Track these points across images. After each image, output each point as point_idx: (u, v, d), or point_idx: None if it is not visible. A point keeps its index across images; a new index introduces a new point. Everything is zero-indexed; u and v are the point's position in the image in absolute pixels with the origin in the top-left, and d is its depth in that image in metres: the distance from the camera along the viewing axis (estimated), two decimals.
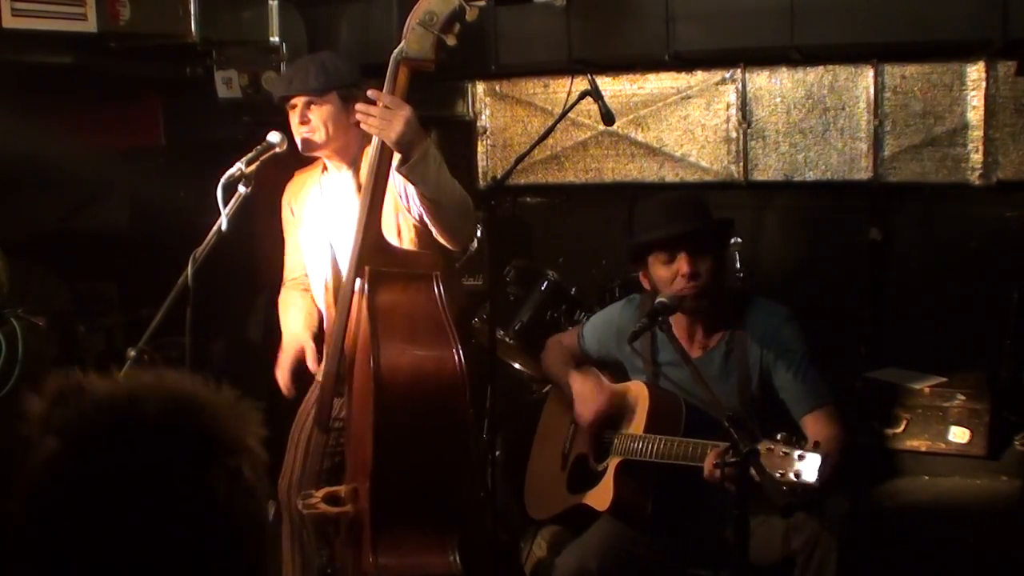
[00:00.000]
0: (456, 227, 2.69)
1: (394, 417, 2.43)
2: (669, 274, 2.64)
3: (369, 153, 2.61)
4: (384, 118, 2.44)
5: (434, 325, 2.53)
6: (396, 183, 2.72)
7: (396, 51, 2.52)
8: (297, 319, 2.97)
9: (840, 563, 2.42)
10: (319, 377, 2.99)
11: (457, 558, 2.53)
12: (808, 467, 2.07)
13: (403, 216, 2.80)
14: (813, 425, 2.51)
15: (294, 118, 2.81)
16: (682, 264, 2.61)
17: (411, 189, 2.66)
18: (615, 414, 2.76)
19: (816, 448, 2.08)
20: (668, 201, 2.80)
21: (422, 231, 2.79)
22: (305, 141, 2.80)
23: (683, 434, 2.56)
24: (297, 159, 3.02)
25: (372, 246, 2.58)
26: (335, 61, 2.86)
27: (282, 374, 2.93)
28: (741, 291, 2.75)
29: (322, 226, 2.92)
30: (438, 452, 2.51)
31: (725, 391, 2.60)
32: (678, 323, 2.73)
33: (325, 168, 2.97)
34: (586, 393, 2.82)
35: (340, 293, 2.71)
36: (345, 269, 2.82)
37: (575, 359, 3.01)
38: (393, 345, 2.45)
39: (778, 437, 2.13)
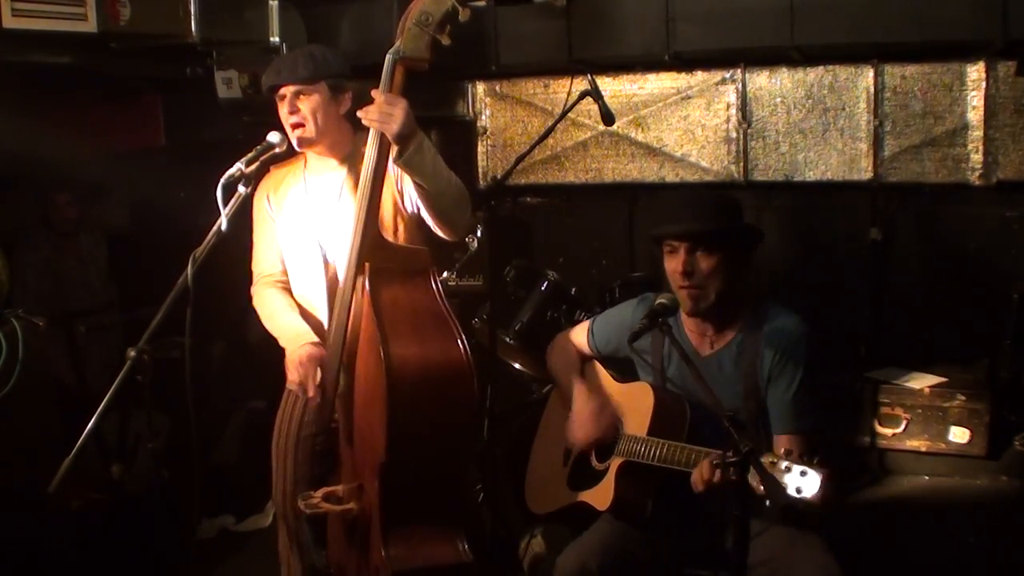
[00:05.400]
0: (454, 216, 2.70)
1: (407, 410, 2.45)
2: (670, 267, 2.64)
3: (368, 150, 2.61)
4: (384, 112, 2.47)
5: (437, 318, 2.57)
6: (393, 180, 2.72)
7: (392, 50, 2.56)
8: (299, 321, 2.91)
9: None
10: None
11: (466, 546, 2.56)
12: (809, 483, 2.05)
13: (400, 214, 2.80)
14: (784, 447, 2.49)
15: (283, 109, 2.80)
16: (678, 260, 2.60)
17: (407, 185, 2.67)
18: (612, 432, 2.76)
19: (819, 466, 2.06)
20: (689, 197, 2.78)
21: (416, 228, 2.79)
22: (297, 134, 2.79)
23: (687, 436, 2.55)
24: None
25: (372, 243, 2.59)
26: (323, 52, 2.87)
27: (314, 383, 2.76)
28: (758, 295, 2.73)
29: (309, 224, 2.89)
30: (448, 442, 2.54)
31: (732, 393, 2.59)
32: (690, 321, 2.72)
33: (306, 164, 2.94)
34: (584, 417, 2.80)
35: (339, 292, 2.70)
36: (338, 267, 2.82)
37: (583, 362, 3.00)
38: (401, 339, 2.48)
39: (781, 451, 2.12)
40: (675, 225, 2.64)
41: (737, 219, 2.70)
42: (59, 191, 4.64)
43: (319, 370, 2.75)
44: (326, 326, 2.84)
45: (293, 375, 2.78)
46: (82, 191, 4.72)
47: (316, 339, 2.82)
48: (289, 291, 2.99)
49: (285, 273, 2.99)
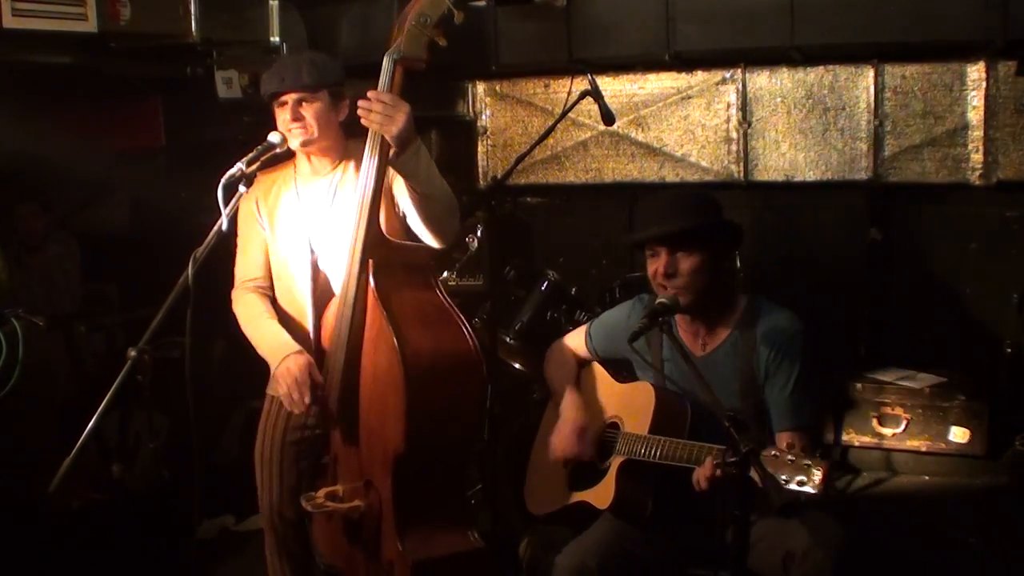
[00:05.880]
0: (443, 223, 2.70)
1: (424, 399, 2.47)
2: (651, 269, 2.64)
3: (367, 150, 2.62)
4: (386, 114, 2.48)
5: (442, 310, 2.61)
6: (389, 180, 2.73)
7: (390, 51, 2.57)
8: (281, 330, 2.86)
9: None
10: (273, 390, 2.96)
11: (476, 534, 2.59)
12: (812, 477, 2.06)
13: (398, 212, 2.80)
14: (786, 443, 2.50)
15: (284, 115, 2.79)
16: (659, 263, 2.61)
17: (398, 187, 2.68)
18: (588, 452, 2.76)
19: (821, 459, 2.07)
20: (665, 199, 2.78)
21: (407, 231, 2.79)
22: (300, 139, 2.79)
23: (688, 436, 2.55)
24: None
25: (374, 240, 2.61)
26: (324, 59, 2.87)
27: (306, 393, 2.71)
28: (751, 293, 2.72)
29: (301, 232, 2.88)
30: (460, 430, 2.59)
31: (729, 392, 2.59)
32: (682, 322, 2.72)
33: (297, 170, 2.93)
34: (567, 431, 2.80)
35: (342, 292, 2.70)
36: (330, 274, 2.83)
37: (580, 367, 3.01)
38: (412, 330, 2.51)
39: (784, 445, 2.12)
40: (652, 228, 2.64)
41: (715, 216, 2.68)
42: (23, 202, 4.54)
43: (311, 379, 2.73)
44: (311, 334, 2.84)
45: (283, 387, 2.72)
46: (49, 201, 4.62)
47: (299, 348, 2.79)
48: (270, 298, 2.96)
49: (267, 279, 2.95)
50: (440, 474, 2.59)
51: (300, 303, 2.89)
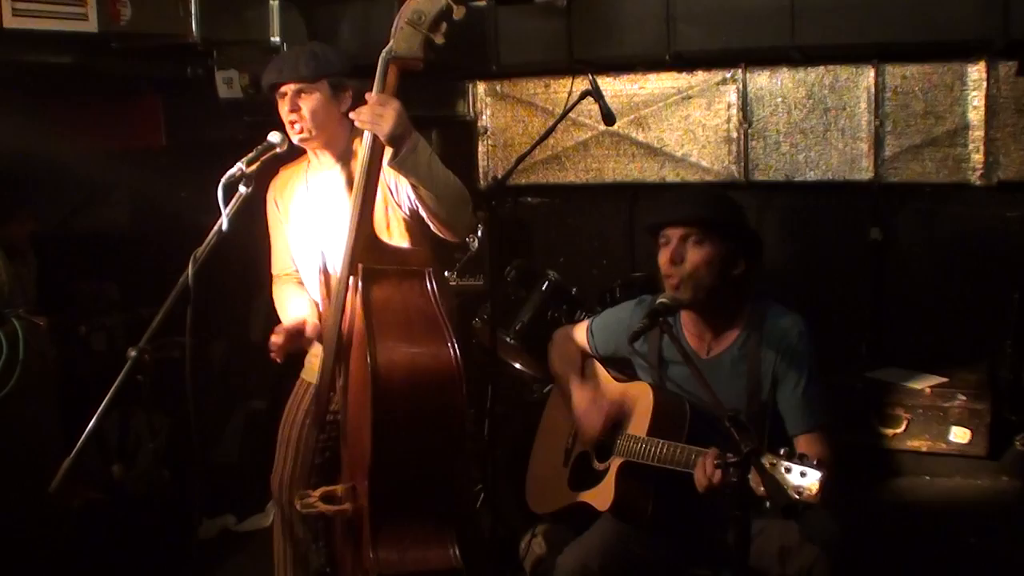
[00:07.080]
0: (454, 217, 2.69)
1: (392, 412, 2.44)
2: (661, 259, 2.64)
3: (361, 150, 2.61)
4: (375, 112, 2.47)
5: (428, 321, 2.55)
6: (386, 178, 2.72)
7: (385, 50, 2.55)
8: (301, 304, 2.92)
9: None
10: (306, 374, 2.99)
11: (456, 551, 2.54)
12: (809, 484, 2.05)
13: (392, 211, 2.79)
14: (806, 445, 2.49)
15: (283, 107, 2.80)
16: (669, 249, 2.60)
17: (402, 184, 2.67)
18: (618, 418, 2.75)
19: (818, 466, 2.07)
20: (688, 190, 2.81)
21: (413, 226, 2.79)
22: (297, 132, 2.78)
23: (688, 436, 2.55)
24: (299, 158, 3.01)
25: (365, 244, 2.58)
26: (325, 50, 2.88)
27: (278, 336, 2.77)
28: (756, 295, 2.72)
29: (310, 222, 2.90)
30: (436, 446, 2.52)
31: (734, 394, 2.59)
32: (687, 323, 2.72)
33: (310, 163, 2.95)
34: (584, 410, 2.81)
35: (333, 291, 2.70)
36: (336, 266, 2.82)
37: (583, 358, 3.00)
38: (389, 341, 2.47)
39: (781, 452, 2.11)
40: (669, 213, 2.65)
41: (732, 216, 2.68)
42: None
43: (288, 337, 2.77)
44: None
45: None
46: None
47: (300, 319, 2.84)
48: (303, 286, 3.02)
49: (299, 271, 3.02)
50: (416, 489, 2.53)
51: (321, 290, 2.91)
